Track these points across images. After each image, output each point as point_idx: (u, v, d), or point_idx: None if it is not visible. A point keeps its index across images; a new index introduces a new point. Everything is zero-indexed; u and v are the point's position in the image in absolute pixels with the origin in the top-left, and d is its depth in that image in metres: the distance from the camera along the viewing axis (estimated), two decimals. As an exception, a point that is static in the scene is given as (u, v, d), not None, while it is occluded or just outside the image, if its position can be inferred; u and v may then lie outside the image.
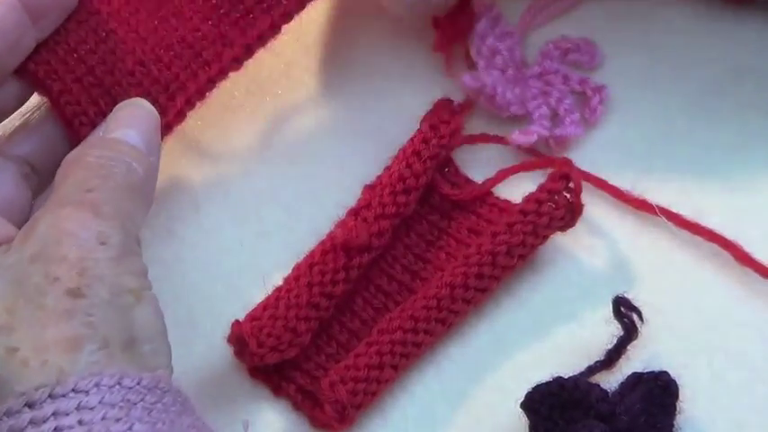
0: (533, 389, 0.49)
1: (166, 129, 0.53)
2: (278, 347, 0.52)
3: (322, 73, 0.62)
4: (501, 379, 0.53)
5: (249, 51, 0.55)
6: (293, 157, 0.60)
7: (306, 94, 0.62)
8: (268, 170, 0.59)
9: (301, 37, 0.63)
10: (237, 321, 0.53)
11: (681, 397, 0.49)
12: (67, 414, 0.39)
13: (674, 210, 0.55)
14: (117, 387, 0.41)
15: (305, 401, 0.52)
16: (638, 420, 0.48)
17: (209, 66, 0.54)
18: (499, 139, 0.59)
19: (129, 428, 0.40)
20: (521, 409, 0.49)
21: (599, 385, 0.49)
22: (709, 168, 0.57)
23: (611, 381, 0.50)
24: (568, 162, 0.55)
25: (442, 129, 0.57)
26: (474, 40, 0.60)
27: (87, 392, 0.40)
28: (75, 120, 0.52)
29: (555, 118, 0.59)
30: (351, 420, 0.51)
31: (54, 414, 0.39)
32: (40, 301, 0.43)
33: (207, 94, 0.55)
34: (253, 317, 0.53)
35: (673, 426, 0.49)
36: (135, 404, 0.41)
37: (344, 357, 0.52)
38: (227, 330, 0.53)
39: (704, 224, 0.55)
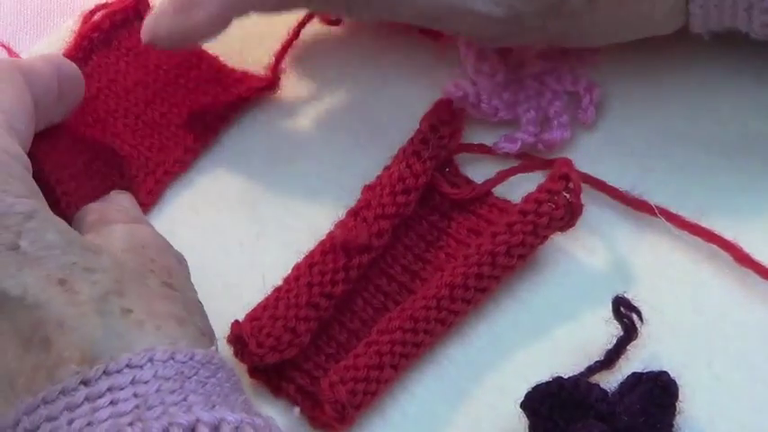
0: (533, 389, 0.49)
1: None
2: (277, 348, 0.52)
3: (322, 73, 0.62)
4: (501, 379, 0.52)
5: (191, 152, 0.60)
6: (293, 156, 0.60)
7: (305, 94, 0.62)
8: (268, 170, 0.59)
9: (301, 37, 0.63)
10: (237, 321, 0.53)
11: (680, 397, 0.49)
12: (122, 388, 0.40)
13: (674, 210, 0.55)
14: (171, 362, 0.42)
15: (305, 402, 0.52)
16: (638, 420, 0.48)
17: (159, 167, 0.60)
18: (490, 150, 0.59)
19: (184, 399, 0.41)
20: (520, 409, 0.49)
21: (599, 385, 0.49)
22: (709, 169, 0.57)
23: (610, 381, 0.50)
24: (568, 162, 0.55)
25: (442, 129, 0.57)
26: (461, 46, 0.61)
27: (141, 367, 0.41)
28: (69, 210, 0.55)
29: (546, 121, 0.59)
30: (350, 420, 0.51)
31: (109, 389, 0.40)
32: (142, 280, 0.46)
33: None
34: (252, 317, 0.53)
35: (672, 426, 0.48)
36: (189, 377, 0.42)
37: (344, 357, 0.52)
38: (226, 330, 0.52)
39: (704, 225, 0.55)
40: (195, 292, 0.49)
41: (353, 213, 0.56)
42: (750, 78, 0.59)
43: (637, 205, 0.56)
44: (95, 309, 0.43)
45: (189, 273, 0.50)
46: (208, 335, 0.47)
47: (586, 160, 0.57)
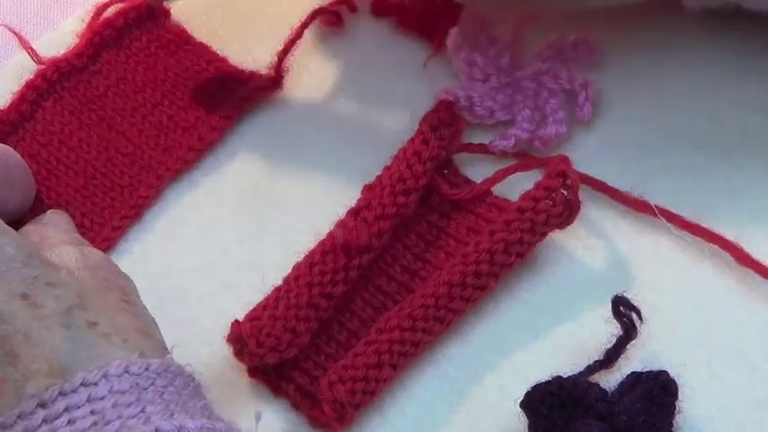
0: (533, 388, 0.49)
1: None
2: (277, 348, 0.52)
3: (323, 74, 0.63)
4: (500, 378, 0.52)
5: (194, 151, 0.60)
6: (293, 156, 0.60)
7: (306, 95, 0.62)
8: (268, 170, 0.59)
9: (303, 38, 0.63)
10: (237, 321, 0.53)
11: (680, 396, 0.49)
12: (79, 407, 0.40)
13: (674, 210, 0.55)
14: (125, 375, 0.42)
15: (304, 401, 0.52)
16: (637, 420, 0.48)
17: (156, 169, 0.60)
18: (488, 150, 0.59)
19: (142, 411, 0.41)
20: (520, 409, 0.49)
21: (598, 385, 0.49)
22: (709, 169, 0.57)
23: (610, 380, 0.50)
24: (565, 159, 0.55)
25: (443, 130, 0.57)
26: (452, 54, 0.61)
27: (96, 384, 0.41)
28: None
29: (542, 118, 0.59)
30: (350, 420, 0.51)
31: (66, 409, 0.40)
32: (103, 296, 0.46)
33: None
34: (252, 317, 0.53)
35: (672, 425, 0.48)
36: (145, 388, 0.42)
37: (343, 357, 0.52)
38: (226, 330, 0.53)
39: (704, 225, 0.54)
40: (147, 309, 0.49)
41: (354, 213, 0.56)
42: (750, 78, 0.59)
43: (637, 206, 0.56)
44: (61, 322, 0.43)
45: (138, 292, 0.50)
46: (164, 345, 0.47)
47: (586, 160, 0.57)
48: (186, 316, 0.55)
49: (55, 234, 0.52)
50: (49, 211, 0.56)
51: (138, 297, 0.49)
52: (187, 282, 0.56)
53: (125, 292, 0.48)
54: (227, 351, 0.53)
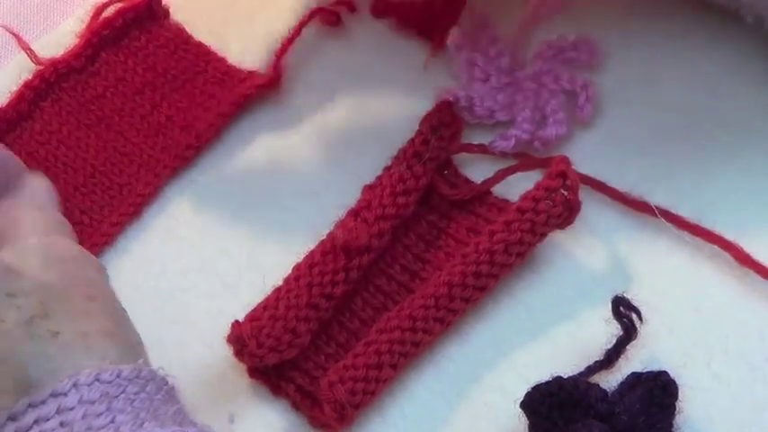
0: (533, 389, 0.49)
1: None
2: (277, 348, 0.52)
3: (322, 73, 0.63)
4: (500, 378, 0.52)
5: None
6: (293, 156, 0.60)
7: (306, 94, 0.62)
8: (267, 169, 0.59)
9: (302, 37, 0.63)
10: (237, 322, 0.53)
11: (680, 397, 0.49)
12: (48, 419, 0.40)
13: (674, 211, 0.55)
14: (96, 384, 0.41)
15: (304, 401, 0.52)
16: (638, 420, 0.48)
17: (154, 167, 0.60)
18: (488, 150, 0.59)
19: (111, 421, 0.41)
20: (520, 409, 0.49)
21: (598, 385, 0.49)
22: (709, 169, 0.57)
23: (610, 381, 0.50)
24: (565, 159, 0.55)
25: (443, 131, 0.57)
26: (452, 53, 0.61)
27: (66, 394, 0.41)
28: None
29: (543, 119, 0.59)
30: (350, 420, 0.51)
31: (36, 421, 0.40)
32: (66, 298, 0.45)
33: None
34: (252, 317, 0.53)
35: (672, 425, 0.48)
36: (116, 397, 0.41)
37: (344, 357, 0.52)
38: (226, 330, 0.52)
39: (704, 225, 0.54)
40: (118, 300, 0.49)
41: (354, 214, 0.56)
42: (750, 78, 0.59)
43: (637, 206, 0.56)
44: (23, 334, 0.43)
45: (108, 279, 0.50)
46: (135, 341, 0.47)
47: (586, 160, 0.57)
48: (186, 316, 0.55)
49: (26, 216, 0.51)
50: (29, 174, 0.55)
51: (108, 285, 0.49)
52: (187, 282, 0.56)
53: (92, 285, 0.47)
54: (227, 351, 0.53)
